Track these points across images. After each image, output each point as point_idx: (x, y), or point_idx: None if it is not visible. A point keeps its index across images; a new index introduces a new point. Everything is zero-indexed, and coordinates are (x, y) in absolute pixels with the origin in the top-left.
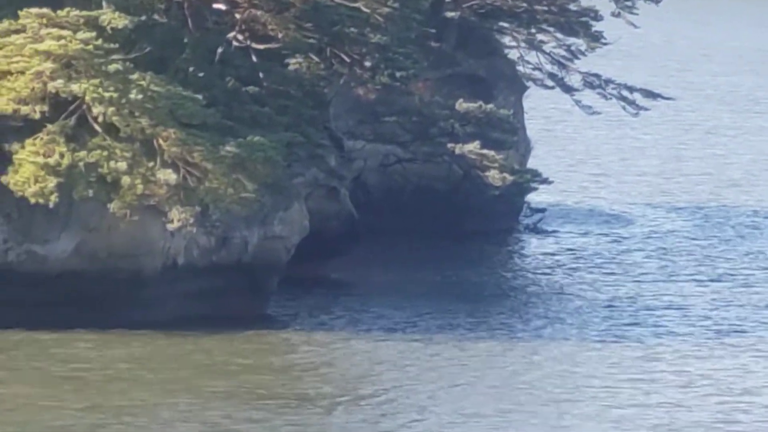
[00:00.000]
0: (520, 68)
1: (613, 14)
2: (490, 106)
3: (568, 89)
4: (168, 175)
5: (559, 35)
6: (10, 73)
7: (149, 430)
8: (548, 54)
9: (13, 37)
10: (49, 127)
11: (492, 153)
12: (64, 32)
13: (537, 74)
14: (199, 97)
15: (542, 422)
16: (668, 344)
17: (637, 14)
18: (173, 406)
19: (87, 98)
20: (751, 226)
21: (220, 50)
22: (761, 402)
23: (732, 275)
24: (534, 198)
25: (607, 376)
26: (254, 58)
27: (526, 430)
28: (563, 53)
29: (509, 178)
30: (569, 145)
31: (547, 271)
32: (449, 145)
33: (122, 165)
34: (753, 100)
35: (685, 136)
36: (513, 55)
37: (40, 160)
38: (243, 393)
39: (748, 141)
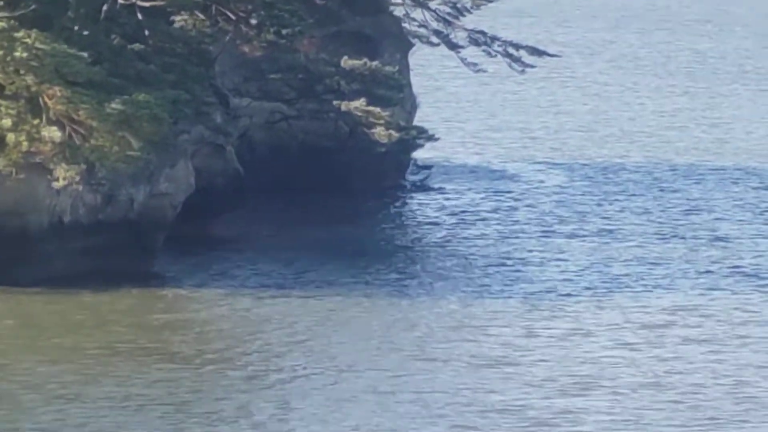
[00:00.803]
0: (405, 25)
1: None
2: (376, 63)
3: (454, 46)
4: (53, 133)
5: None
6: None
7: (29, 387)
8: (434, 11)
9: None
10: None
11: (378, 110)
12: None
13: (423, 31)
14: (85, 54)
15: (419, 378)
16: (547, 299)
17: None
18: (53, 363)
19: None
20: (634, 181)
21: (105, 8)
22: (633, 356)
23: (611, 231)
24: (420, 155)
25: (483, 332)
26: (140, 16)
27: (403, 387)
28: (449, 10)
29: (395, 135)
30: (455, 102)
31: (432, 228)
32: (335, 102)
33: (7, 122)
34: (636, 59)
35: (570, 94)
36: (399, 12)
37: None
38: (124, 349)
39: (632, 98)
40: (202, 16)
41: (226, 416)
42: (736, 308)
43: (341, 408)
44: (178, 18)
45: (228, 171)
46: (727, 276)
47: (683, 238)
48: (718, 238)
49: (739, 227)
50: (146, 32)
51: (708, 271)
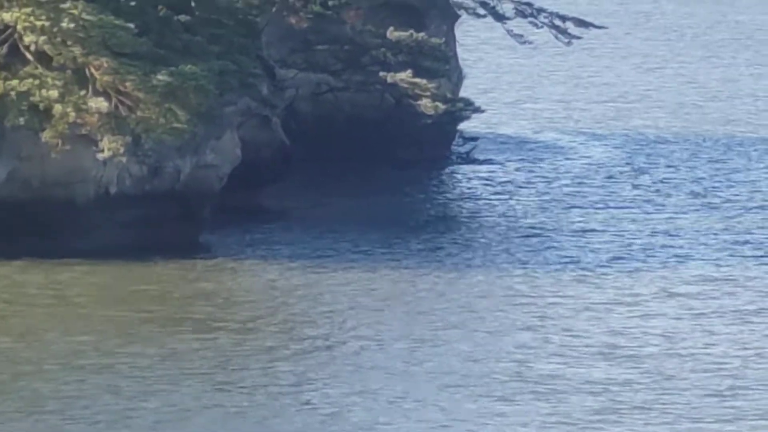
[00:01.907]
0: None
1: None
2: (422, 34)
3: (500, 18)
4: (100, 104)
5: None
6: None
7: (56, 356)
8: None
9: None
10: None
11: (424, 81)
12: None
13: (469, 3)
14: (131, 25)
15: (451, 351)
16: (581, 269)
17: None
18: (85, 333)
19: (19, 27)
20: (675, 152)
21: None
22: (648, 328)
23: (650, 201)
24: (466, 127)
25: (512, 302)
26: None
27: (425, 357)
28: None
29: (441, 106)
30: (501, 74)
31: (476, 199)
32: (381, 74)
33: (54, 93)
34: (678, 29)
35: (614, 65)
36: None
37: None
38: (168, 320)
39: (674, 69)
40: None
41: (245, 385)
42: (761, 277)
43: (362, 377)
44: None
45: (274, 142)
46: (761, 247)
47: (718, 208)
48: (756, 208)
49: None
50: (192, 3)
51: (744, 242)
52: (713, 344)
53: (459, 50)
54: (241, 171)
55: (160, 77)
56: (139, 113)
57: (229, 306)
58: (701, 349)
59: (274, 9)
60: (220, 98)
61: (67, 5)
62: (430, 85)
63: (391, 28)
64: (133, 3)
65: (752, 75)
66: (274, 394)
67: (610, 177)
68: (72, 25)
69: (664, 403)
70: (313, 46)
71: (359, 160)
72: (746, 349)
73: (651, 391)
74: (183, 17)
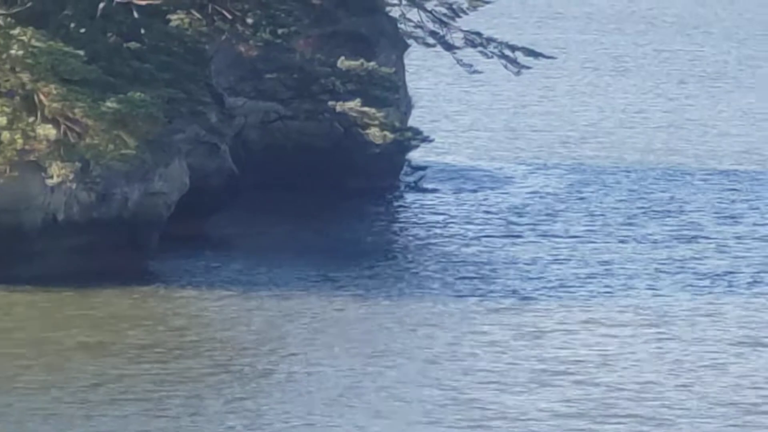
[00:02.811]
0: (401, 26)
1: None
2: (372, 63)
3: (450, 47)
4: (48, 131)
5: None
6: None
7: (19, 383)
8: (430, 12)
9: None
10: None
11: (373, 110)
12: None
13: (418, 32)
14: (81, 53)
15: (383, 378)
16: (522, 298)
17: None
18: (30, 358)
19: None
20: (625, 183)
21: (101, 6)
22: (581, 356)
23: (594, 231)
24: (415, 156)
25: (454, 330)
26: (136, 14)
27: (368, 387)
28: (444, 11)
29: (390, 135)
30: (450, 103)
31: (423, 228)
32: (330, 103)
33: (2, 120)
34: (617, 60)
35: (565, 96)
36: (395, 12)
37: None
38: (114, 346)
39: (618, 100)
40: (198, 15)
41: (171, 412)
42: (696, 308)
43: (292, 404)
44: (174, 17)
45: (222, 170)
46: (689, 276)
47: (655, 239)
48: (691, 239)
49: (706, 229)
50: (142, 31)
51: (676, 272)
52: (643, 372)
53: (408, 79)
54: (189, 199)
55: (109, 104)
56: (87, 140)
57: (165, 332)
58: (631, 377)
59: (223, 37)
60: (169, 126)
61: (16, 32)
62: (378, 114)
63: (341, 57)
64: (82, 30)
65: (697, 106)
66: (199, 421)
67: (553, 207)
68: (21, 52)
69: (595, 430)
70: (263, 74)
71: (307, 188)
72: (677, 377)
73: (582, 417)
74: (133, 45)
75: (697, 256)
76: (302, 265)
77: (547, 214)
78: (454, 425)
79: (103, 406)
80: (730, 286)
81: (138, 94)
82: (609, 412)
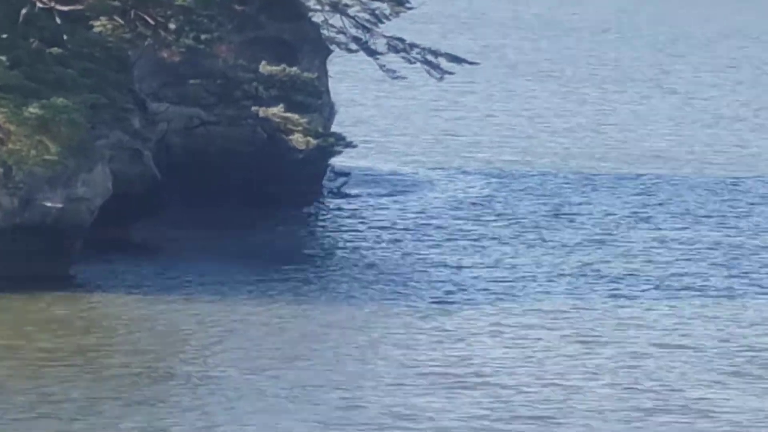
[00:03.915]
0: (324, 32)
1: None
2: (295, 69)
3: (373, 53)
4: None
5: None
6: None
7: None
8: (352, 17)
9: None
10: None
11: (296, 116)
12: None
13: (341, 38)
14: (3, 58)
15: (293, 381)
16: (442, 303)
17: None
18: None
19: None
20: (537, 188)
21: (23, 11)
22: (488, 359)
23: (515, 237)
24: (338, 162)
25: (372, 335)
26: (58, 20)
27: (279, 390)
28: (367, 17)
29: (313, 141)
30: (373, 109)
31: (345, 234)
32: (253, 108)
33: None
34: (536, 64)
35: (488, 101)
36: (317, 18)
37: None
38: (22, 350)
39: (538, 104)
40: (120, 21)
41: (65, 414)
42: (606, 311)
43: (198, 407)
44: (96, 23)
45: (145, 176)
46: (601, 280)
47: (564, 243)
48: (599, 243)
49: (620, 233)
50: (65, 37)
51: (581, 275)
52: (549, 375)
53: (331, 85)
54: (112, 204)
55: (31, 110)
56: (10, 145)
57: (75, 336)
58: (537, 379)
59: (146, 43)
60: (92, 131)
61: None
62: (301, 120)
63: (264, 63)
64: (4, 36)
65: (614, 110)
66: (96, 423)
67: (471, 211)
68: None
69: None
70: (185, 80)
71: (231, 194)
72: (585, 379)
73: (486, 419)
74: (55, 50)
75: (609, 260)
76: (223, 271)
77: (466, 219)
78: (355, 427)
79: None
80: (642, 290)
81: (60, 99)
82: (515, 414)
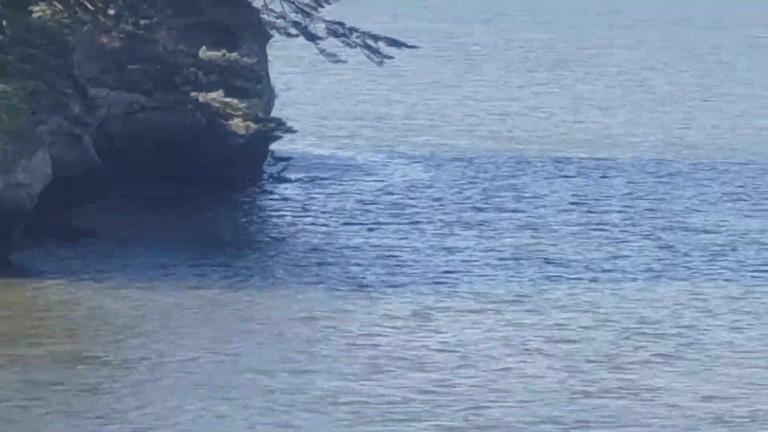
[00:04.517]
0: (264, 16)
1: None
2: (234, 54)
3: (312, 37)
4: None
5: None
6: None
7: None
8: (292, 2)
9: None
10: None
11: (236, 101)
12: None
13: (281, 23)
14: None
15: (232, 365)
16: (378, 287)
17: None
18: None
19: None
20: (477, 172)
21: None
22: (429, 343)
23: (456, 222)
24: (278, 147)
25: (294, 318)
26: None
27: (218, 373)
28: (307, 1)
29: (253, 126)
30: (314, 93)
31: (286, 219)
32: (193, 94)
33: None
34: (469, 49)
35: (430, 86)
36: (257, 3)
37: None
38: None
39: (475, 89)
40: (60, 7)
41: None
42: (537, 294)
43: (133, 391)
44: (36, 8)
45: (85, 161)
46: (532, 264)
47: (496, 226)
48: (533, 227)
49: (551, 217)
50: (4, 23)
51: (517, 258)
52: (481, 358)
53: (271, 70)
54: (52, 190)
55: None
56: None
57: (11, 320)
58: (468, 362)
59: (85, 28)
60: (32, 117)
61: None
62: (241, 105)
63: (204, 48)
64: None
65: (545, 94)
66: (31, 407)
67: (408, 195)
68: None
69: (437, 414)
70: (125, 65)
71: (171, 180)
72: (516, 362)
73: (420, 402)
74: None
75: (544, 243)
76: (162, 256)
77: (403, 202)
78: (293, 412)
79: None
80: (575, 273)
81: (0, 86)
82: (450, 398)
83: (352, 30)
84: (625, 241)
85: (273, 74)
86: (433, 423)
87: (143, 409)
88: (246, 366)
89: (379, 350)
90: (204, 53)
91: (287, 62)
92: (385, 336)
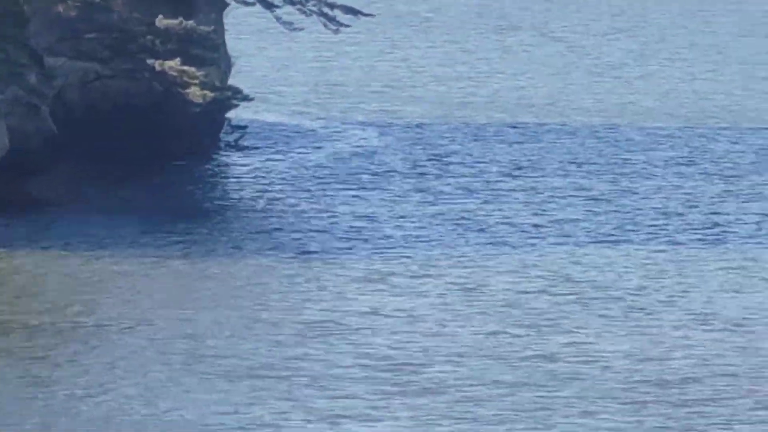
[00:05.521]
0: None
1: None
2: (191, 22)
3: (269, 6)
4: None
5: None
6: None
7: None
8: None
9: None
10: None
11: (192, 70)
12: None
13: None
14: None
15: (166, 331)
16: (327, 253)
17: None
18: None
19: None
20: (436, 138)
21: None
22: (359, 307)
23: (414, 189)
24: (235, 115)
25: (261, 287)
26: None
27: (153, 337)
28: None
29: (210, 94)
30: (270, 61)
31: (242, 187)
32: (150, 62)
33: None
34: (418, 15)
35: (380, 53)
36: None
37: None
38: None
39: (422, 53)
40: None
41: None
42: (482, 258)
43: (113, 363)
44: None
45: (42, 131)
46: (477, 227)
47: (445, 193)
48: (476, 192)
49: (493, 181)
50: None
51: (457, 223)
52: (416, 321)
53: (228, 38)
54: (9, 160)
55: None
56: None
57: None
58: (405, 324)
59: None
60: None
61: None
62: (198, 73)
63: (160, 16)
64: None
65: (495, 59)
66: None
67: (357, 162)
68: None
69: (379, 378)
70: (82, 34)
71: (128, 148)
72: (445, 326)
73: (357, 367)
74: None
75: (487, 208)
76: (117, 224)
77: (355, 169)
78: (225, 375)
79: None
80: (517, 237)
81: None
82: (381, 360)
83: None
84: (573, 206)
85: (230, 43)
86: (374, 387)
87: (82, 376)
88: (183, 332)
89: (321, 315)
90: (161, 21)
91: (244, 30)
92: (328, 301)
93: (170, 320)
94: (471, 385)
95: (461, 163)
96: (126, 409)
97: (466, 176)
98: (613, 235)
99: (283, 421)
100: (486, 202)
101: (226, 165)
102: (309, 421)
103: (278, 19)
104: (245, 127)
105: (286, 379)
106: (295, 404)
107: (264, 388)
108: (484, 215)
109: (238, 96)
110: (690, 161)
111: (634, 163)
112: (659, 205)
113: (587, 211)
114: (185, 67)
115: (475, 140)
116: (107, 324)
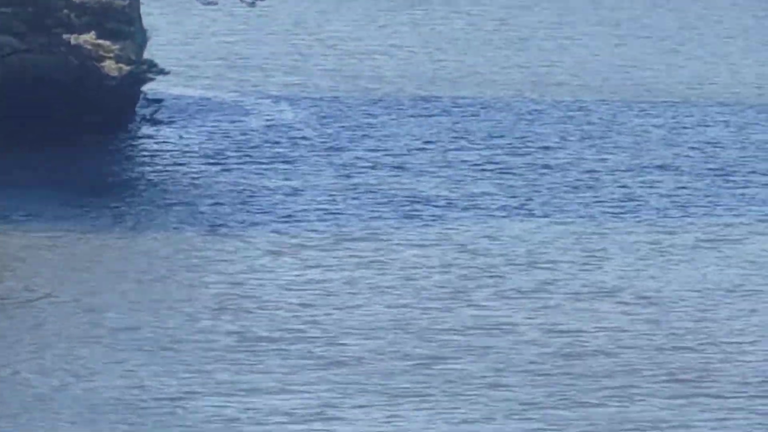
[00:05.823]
0: None
1: None
2: None
3: None
4: None
5: None
6: None
7: None
8: None
9: None
10: None
11: (108, 43)
12: None
13: None
14: None
15: (108, 302)
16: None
17: None
18: None
19: None
20: (361, 114)
21: None
22: (307, 280)
23: (340, 163)
24: (151, 89)
25: (159, 264)
26: None
27: (90, 305)
28: None
29: (125, 68)
30: (186, 35)
31: (158, 161)
32: (65, 36)
33: None
34: None
35: (299, 26)
36: None
37: None
38: None
39: (363, 30)
40: None
41: None
42: (399, 233)
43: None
44: None
45: None
46: (395, 201)
47: (362, 167)
48: (394, 167)
49: (420, 154)
50: None
51: (387, 201)
52: (333, 297)
53: (143, 11)
54: None
55: None
56: None
57: None
58: (309, 300)
59: None
60: None
61: None
62: (114, 47)
63: None
64: None
65: (409, 33)
66: None
67: (280, 136)
68: None
69: (285, 352)
70: None
71: (44, 123)
72: (359, 297)
73: (270, 341)
74: None
75: (397, 182)
76: (32, 198)
77: (272, 143)
78: (119, 349)
79: None
80: (431, 211)
81: None
82: (294, 335)
83: None
84: (485, 179)
85: (145, 16)
86: (287, 361)
87: None
88: (87, 306)
89: (232, 288)
90: None
91: (159, 4)
92: (239, 274)
93: (73, 294)
94: (384, 359)
95: (374, 137)
96: (22, 385)
97: (379, 150)
98: (524, 208)
99: (193, 395)
100: (398, 175)
101: (141, 138)
102: (220, 395)
103: None
104: (161, 100)
105: (193, 352)
106: (205, 378)
107: (172, 361)
108: (397, 188)
109: (153, 69)
110: (603, 135)
111: (546, 136)
112: (571, 179)
113: (499, 184)
114: (100, 41)
115: (388, 114)
116: (4, 298)
